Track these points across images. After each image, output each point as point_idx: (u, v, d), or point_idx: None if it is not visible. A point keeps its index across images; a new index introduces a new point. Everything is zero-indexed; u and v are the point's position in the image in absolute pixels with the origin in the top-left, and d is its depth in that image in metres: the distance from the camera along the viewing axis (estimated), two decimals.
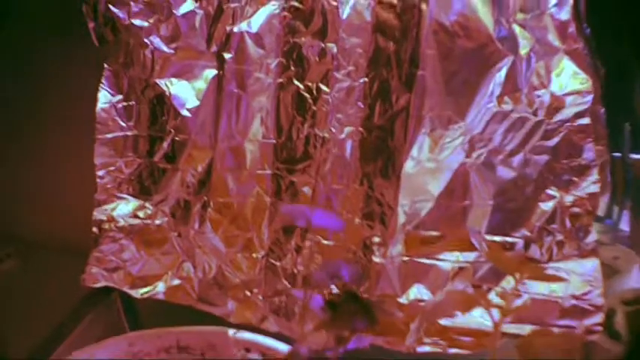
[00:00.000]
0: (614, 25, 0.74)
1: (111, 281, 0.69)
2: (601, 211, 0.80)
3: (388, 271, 0.63)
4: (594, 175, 0.61)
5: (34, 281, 0.77)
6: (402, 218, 0.62)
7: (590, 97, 0.61)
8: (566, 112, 0.60)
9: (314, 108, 0.63)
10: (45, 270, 0.77)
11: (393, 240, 0.62)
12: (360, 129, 0.62)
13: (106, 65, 0.68)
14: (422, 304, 0.63)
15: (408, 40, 0.60)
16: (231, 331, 0.49)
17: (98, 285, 0.69)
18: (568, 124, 0.60)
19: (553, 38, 0.60)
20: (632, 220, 0.81)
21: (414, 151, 0.61)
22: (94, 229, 0.69)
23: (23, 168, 0.79)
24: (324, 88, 0.63)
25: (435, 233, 0.62)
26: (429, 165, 0.61)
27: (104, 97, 0.68)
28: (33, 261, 0.79)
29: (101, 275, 0.69)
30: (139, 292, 0.68)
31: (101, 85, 0.68)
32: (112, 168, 0.68)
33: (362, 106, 0.62)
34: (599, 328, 0.60)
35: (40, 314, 0.73)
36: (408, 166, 0.61)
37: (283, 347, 0.48)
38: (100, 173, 0.68)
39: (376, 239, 0.63)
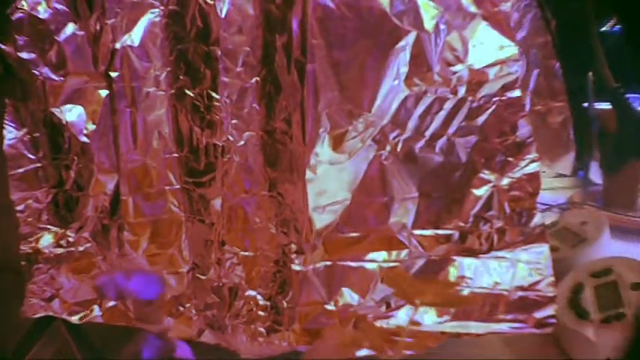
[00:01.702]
0: None
1: (50, 310, 0.59)
2: (567, 170, 0.69)
3: (310, 279, 0.51)
4: (532, 153, 0.47)
5: None
6: (317, 224, 0.50)
7: (517, 66, 0.47)
8: (492, 86, 0.47)
9: (208, 117, 0.51)
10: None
11: (310, 246, 0.51)
12: (260, 132, 0.50)
13: (7, 100, 0.57)
14: (351, 309, 0.52)
15: (294, 30, 0.47)
16: None
17: (38, 315, 0.60)
18: (496, 98, 0.47)
19: (467, 3, 0.47)
20: (603, 173, 0.69)
21: (317, 152, 0.48)
22: (23, 263, 0.59)
23: None
24: (214, 94, 0.51)
25: (355, 234, 0.50)
26: (336, 165, 0.49)
27: (10, 133, 0.56)
28: None
29: (39, 306, 0.59)
30: (76, 318, 0.59)
31: (5, 122, 0.57)
32: (30, 201, 0.58)
33: (258, 107, 0.50)
34: (553, 320, 0.48)
35: None
36: (312, 167, 0.49)
37: None
38: (19, 208, 0.58)
39: (293, 247, 0.51)
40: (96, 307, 0.58)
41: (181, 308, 0.56)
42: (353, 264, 0.50)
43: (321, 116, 0.47)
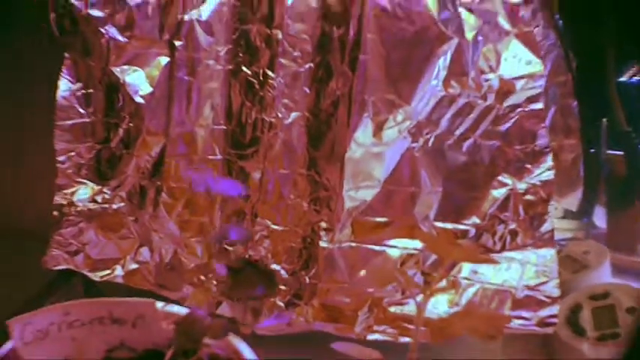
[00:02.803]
0: (590, 17, 0.66)
1: (72, 264, 0.62)
2: (574, 207, 0.72)
3: (335, 257, 0.55)
4: (548, 161, 0.53)
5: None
6: (348, 203, 0.54)
7: (542, 82, 0.53)
8: (517, 97, 0.52)
9: (261, 93, 0.56)
10: (9, 255, 0.71)
11: (340, 225, 0.55)
12: (307, 114, 0.54)
13: (66, 54, 0.62)
14: (370, 290, 0.56)
15: (351, 25, 0.52)
16: (159, 304, 0.43)
17: (59, 267, 0.63)
18: (520, 109, 0.53)
19: (503, 21, 0.53)
20: (608, 217, 0.73)
21: (358, 136, 0.53)
22: (55, 213, 0.62)
23: None
24: (270, 73, 0.55)
25: (382, 219, 0.55)
26: (373, 149, 0.53)
27: (64, 85, 0.61)
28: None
29: (62, 258, 0.62)
30: (98, 275, 0.61)
31: (62, 73, 0.61)
32: (72, 153, 0.61)
33: (308, 91, 0.54)
34: (555, 320, 0.52)
35: (3, 298, 0.67)
36: (352, 150, 0.53)
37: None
38: (60, 158, 0.61)
39: (323, 224, 0.55)
40: (118, 268, 0.61)
41: (202, 278, 0.59)
42: (376, 247, 0.54)
43: (366, 103, 0.51)
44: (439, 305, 0.53)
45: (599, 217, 0.80)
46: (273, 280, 0.35)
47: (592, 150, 0.74)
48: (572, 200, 0.77)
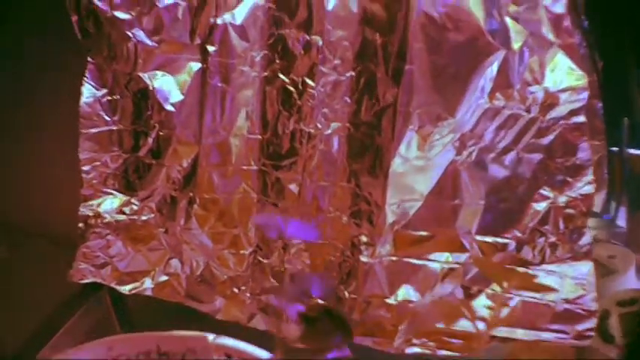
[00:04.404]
0: (613, 18, 0.65)
1: (98, 277, 0.60)
2: (598, 207, 0.71)
3: (376, 271, 0.54)
4: (589, 175, 0.50)
5: (25, 272, 0.69)
6: (390, 217, 0.53)
7: (585, 94, 0.51)
8: (561, 110, 0.50)
9: (299, 102, 0.53)
10: (36, 261, 0.69)
11: (381, 239, 0.53)
12: (347, 125, 0.52)
13: (89, 59, 0.59)
14: (411, 305, 0.55)
15: (396, 33, 0.49)
16: (210, 337, 0.42)
17: (86, 281, 0.61)
18: (562, 121, 0.51)
19: (547, 32, 0.50)
20: (628, 217, 0.72)
21: (402, 149, 0.51)
22: (81, 225, 0.60)
23: (15, 160, 0.71)
24: (309, 82, 0.52)
25: (424, 233, 0.53)
26: (417, 163, 0.52)
27: (88, 92, 0.58)
28: (24, 251, 0.71)
29: (88, 271, 0.60)
30: (126, 289, 0.60)
31: (85, 79, 0.59)
32: (98, 163, 0.59)
33: (349, 101, 0.52)
34: (592, 333, 0.50)
35: (30, 305, 0.65)
36: (396, 164, 0.51)
37: (265, 355, 0.41)
38: (85, 168, 0.59)
39: (364, 238, 0.54)
40: (147, 280, 0.59)
41: (236, 290, 0.57)
42: (417, 262, 0.52)
43: (412, 115, 0.49)
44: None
45: (621, 217, 0.80)
46: (347, 327, 0.33)
47: (613, 149, 0.74)
48: (597, 201, 0.76)
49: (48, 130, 0.66)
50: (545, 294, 0.51)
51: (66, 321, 0.61)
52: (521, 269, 0.52)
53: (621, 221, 0.75)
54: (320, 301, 0.35)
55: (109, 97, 0.57)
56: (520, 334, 0.52)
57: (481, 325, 0.53)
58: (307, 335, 0.35)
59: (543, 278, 0.52)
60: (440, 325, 0.53)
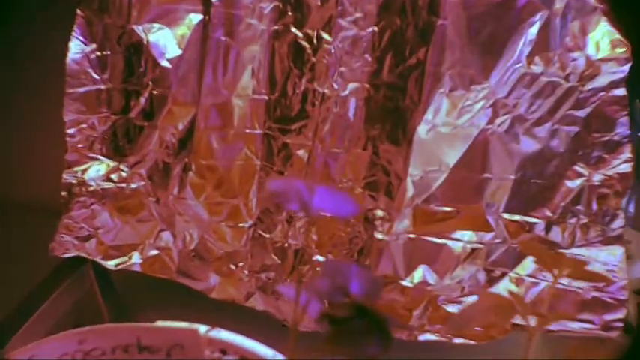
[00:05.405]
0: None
1: (82, 251, 0.50)
2: None
3: (392, 250, 0.45)
4: (627, 152, 0.43)
5: (6, 245, 0.58)
6: (410, 190, 0.44)
7: (627, 66, 0.43)
8: (601, 80, 0.42)
9: (313, 59, 0.44)
10: (19, 234, 0.58)
11: (400, 215, 0.44)
12: (367, 86, 0.44)
13: (78, 11, 0.48)
14: (428, 288, 0.45)
15: None
16: (202, 329, 0.31)
17: (68, 255, 0.50)
18: (602, 93, 0.43)
19: None
20: (637, 201, 0.64)
21: (429, 114, 0.42)
22: (64, 194, 0.50)
23: None
24: (326, 36, 0.44)
25: (447, 209, 0.44)
26: (445, 130, 0.43)
27: (76, 47, 0.48)
28: (5, 223, 0.60)
29: (72, 244, 0.50)
30: (112, 263, 0.49)
31: (73, 33, 0.48)
32: (84, 126, 0.49)
33: (370, 59, 0.43)
34: (620, 324, 0.43)
35: (11, 282, 0.54)
36: (422, 130, 0.42)
37: (265, 351, 0.31)
38: (70, 131, 0.49)
39: (380, 213, 0.45)
40: (136, 254, 0.49)
41: (232, 267, 0.48)
42: (437, 240, 0.44)
43: (443, 76, 0.41)
44: None
45: (630, 202, 0.72)
46: (386, 331, 0.23)
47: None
48: None
49: (32, 90, 0.55)
50: (573, 280, 0.42)
51: (45, 299, 0.50)
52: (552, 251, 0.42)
53: (630, 206, 0.67)
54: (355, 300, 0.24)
55: (99, 53, 0.47)
56: (545, 323, 0.42)
57: (502, 313, 0.43)
58: (332, 339, 0.25)
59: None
60: (458, 307, 0.43)
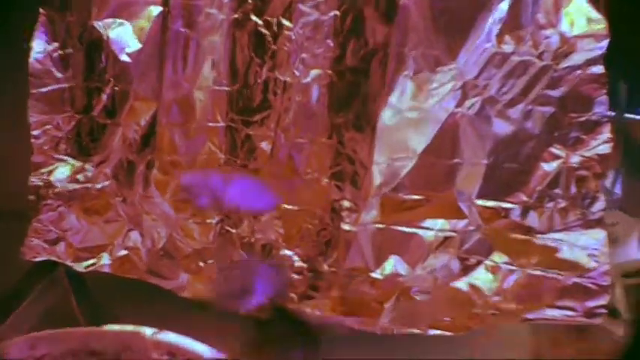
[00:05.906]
0: None
1: (53, 254, 0.47)
2: None
3: (360, 241, 0.41)
4: (606, 132, 0.40)
5: None
6: (377, 179, 0.40)
7: (605, 42, 0.40)
8: (577, 58, 0.39)
9: (274, 47, 0.41)
10: None
11: (367, 204, 0.41)
12: (329, 72, 0.41)
13: (41, 10, 0.46)
14: (399, 279, 0.42)
15: None
16: (148, 332, 0.28)
17: (39, 259, 0.47)
18: (579, 71, 0.40)
19: None
20: (624, 182, 0.61)
21: (394, 98, 0.39)
22: (32, 197, 0.47)
23: None
24: (286, 23, 0.41)
25: (416, 197, 0.41)
26: (411, 115, 0.40)
27: (39, 46, 0.45)
28: None
29: (42, 248, 0.47)
30: (82, 266, 0.46)
31: (35, 32, 0.46)
32: (49, 126, 0.46)
33: (332, 44, 0.41)
34: (604, 310, 0.40)
35: None
36: (386, 116, 0.39)
37: (214, 353, 0.28)
38: (35, 133, 0.46)
39: (346, 203, 0.41)
40: (105, 255, 0.46)
41: (202, 264, 0.45)
42: (407, 230, 0.40)
43: (406, 58, 0.38)
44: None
45: (617, 183, 0.69)
46: (311, 335, 0.20)
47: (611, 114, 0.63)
48: None
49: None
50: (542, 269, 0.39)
51: (17, 306, 0.46)
52: (524, 237, 0.39)
53: (618, 188, 0.64)
54: (271, 301, 0.21)
55: (61, 52, 0.45)
56: (524, 311, 0.39)
57: (479, 302, 0.39)
58: (257, 346, 0.21)
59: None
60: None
